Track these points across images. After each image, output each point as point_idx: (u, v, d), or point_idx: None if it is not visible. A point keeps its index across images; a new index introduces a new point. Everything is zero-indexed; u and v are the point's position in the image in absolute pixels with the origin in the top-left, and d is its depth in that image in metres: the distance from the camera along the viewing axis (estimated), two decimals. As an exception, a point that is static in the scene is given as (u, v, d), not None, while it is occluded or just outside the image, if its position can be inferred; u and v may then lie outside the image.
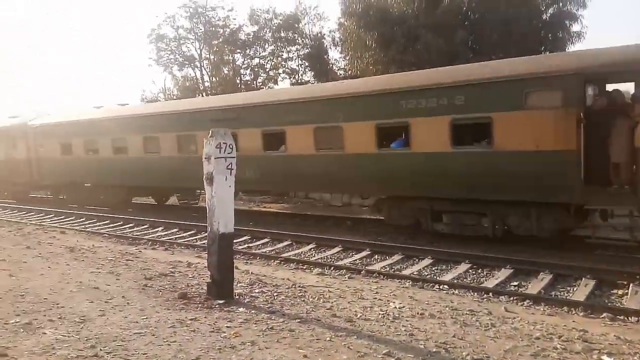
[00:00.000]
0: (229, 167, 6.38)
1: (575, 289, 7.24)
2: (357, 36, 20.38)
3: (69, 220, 15.62)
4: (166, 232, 13.09)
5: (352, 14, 20.52)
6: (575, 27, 18.23)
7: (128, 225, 14.27)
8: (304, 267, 8.99)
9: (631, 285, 7.05)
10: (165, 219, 14.47)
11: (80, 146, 18.71)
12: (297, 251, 10.53)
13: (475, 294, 7.08)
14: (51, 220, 15.72)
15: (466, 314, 5.92)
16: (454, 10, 18.70)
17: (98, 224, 14.83)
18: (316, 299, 6.55)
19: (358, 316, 5.74)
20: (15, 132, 21.65)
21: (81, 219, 15.66)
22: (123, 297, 6.19)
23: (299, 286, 7.24)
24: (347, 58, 25.86)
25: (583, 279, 7.46)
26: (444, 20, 18.34)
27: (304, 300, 6.43)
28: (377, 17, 19.29)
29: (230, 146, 6.41)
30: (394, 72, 15.80)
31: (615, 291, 7.15)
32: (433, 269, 8.78)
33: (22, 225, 13.90)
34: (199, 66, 33.33)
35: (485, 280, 7.91)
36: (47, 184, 21.22)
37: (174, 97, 32.02)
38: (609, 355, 4.51)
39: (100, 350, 4.23)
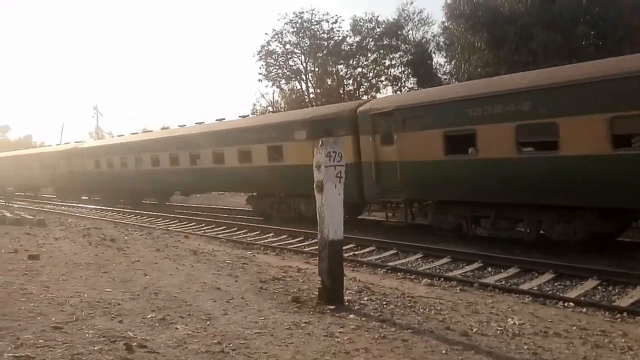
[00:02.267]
0: (338, 175, 6.52)
1: None
2: (464, 39, 19.75)
3: (190, 226, 17.01)
4: (276, 238, 13.68)
5: (460, 16, 19.96)
6: None
7: (242, 231, 15.16)
8: (412, 277, 8.85)
9: None
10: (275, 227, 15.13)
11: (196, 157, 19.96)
12: (403, 260, 10.40)
13: (607, 313, 6.43)
14: (176, 226, 17.24)
15: (597, 334, 5.41)
16: (572, 4, 17.35)
17: (216, 229, 15.95)
18: (427, 310, 6.41)
19: (474, 330, 5.52)
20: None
21: (201, 225, 16.96)
22: (242, 298, 6.58)
23: (408, 296, 7.15)
24: (453, 62, 25.17)
25: None
26: (561, 15, 17.10)
27: (414, 311, 6.33)
28: (486, 17, 18.57)
29: (340, 155, 6.55)
30: (504, 74, 15.05)
31: None
32: (555, 284, 8.14)
33: (152, 230, 15.41)
34: (304, 79, 34.55)
35: (618, 298, 7.15)
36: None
37: (282, 109, 33.49)
38: None
39: (226, 347, 4.54)
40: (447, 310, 6.45)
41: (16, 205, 23.68)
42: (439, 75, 28.87)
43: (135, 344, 4.23)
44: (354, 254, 11.28)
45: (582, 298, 7.20)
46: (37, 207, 25.85)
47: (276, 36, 33.51)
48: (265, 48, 34.16)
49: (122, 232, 13.64)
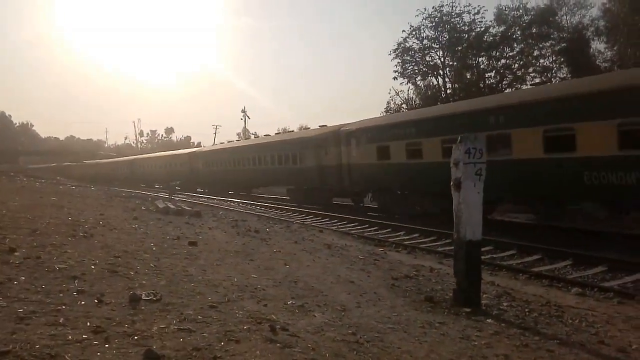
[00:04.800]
0: (479, 172, 6.27)
1: None
2: (631, 20, 17.41)
3: (325, 221, 17.72)
4: (408, 237, 13.59)
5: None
6: None
7: (373, 228, 15.34)
8: (560, 285, 8.13)
9: None
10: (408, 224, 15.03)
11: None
12: (549, 266, 9.59)
13: None
14: (311, 220, 18.10)
15: None
16: None
17: (348, 225, 16.39)
18: (577, 321, 5.87)
19: (633, 347, 4.92)
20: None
21: (334, 220, 17.57)
22: (375, 293, 6.70)
23: (555, 305, 6.61)
24: (615, 48, 22.34)
25: None
26: None
27: (561, 321, 5.85)
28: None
29: (481, 151, 6.29)
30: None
31: None
32: None
33: (290, 224, 16.39)
34: (441, 74, 33.57)
35: None
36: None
37: (417, 106, 32.95)
38: None
39: (360, 337, 4.68)
40: (601, 323, 5.84)
41: (177, 198, 26.95)
42: (598, 63, 25.84)
43: (278, 326, 4.58)
44: (491, 256, 10.70)
45: None
46: (193, 200, 29.14)
47: (414, 32, 33.08)
48: (402, 45, 33.92)
49: (264, 225, 14.73)
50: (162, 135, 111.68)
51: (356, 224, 16.49)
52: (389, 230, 14.82)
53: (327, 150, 21.59)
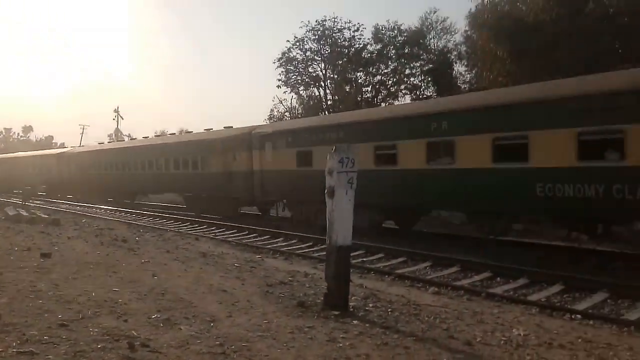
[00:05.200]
0: (350, 181, 6.57)
1: None
2: (487, 48, 19.63)
3: (202, 228, 17.20)
4: (286, 243, 13.76)
5: (483, 25, 19.85)
6: None
7: (252, 235, 15.27)
8: (419, 285, 8.80)
9: None
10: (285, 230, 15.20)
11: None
12: (412, 268, 10.36)
13: (614, 326, 6.30)
14: (187, 228, 17.45)
15: (602, 347, 5.31)
16: (598, 15, 17.14)
17: (226, 232, 16.11)
18: (432, 318, 6.38)
19: (478, 340, 5.47)
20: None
21: (212, 228, 17.14)
22: (247, 301, 6.63)
23: (414, 304, 7.12)
24: (474, 71, 25.02)
25: None
26: (587, 26, 16.88)
27: (419, 319, 6.31)
28: (509, 26, 18.43)
29: (353, 161, 6.60)
30: (526, 83, 14.97)
31: None
32: (564, 296, 8.02)
33: (163, 232, 15.63)
34: (323, 85, 34.70)
35: (627, 312, 7.01)
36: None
37: (300, 115, 33.64)
38: None
39: (227, 348, 4.59)
40: (452, 319, 6.40)
41: (32, 205, 24.23)
42: (459, 85, 28.72)
43: (138, 343, 4.31)
44: (362, 260, 11.26)
45: (590, 310, 7.07)
46: (53, 206, 26.42)
47: (297, 43, 33.78)
48: (286, 55, 34.45)
49: (134, 233, 13.86)
50: (18, 134, 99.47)
51: (235, 231, 16.27)
52: (267, 237, 14.85)
53: (235, 154, 19.36)
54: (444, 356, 4.84)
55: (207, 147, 21.09)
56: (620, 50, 17.43)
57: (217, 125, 23.54)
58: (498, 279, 9.25)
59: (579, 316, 6.81)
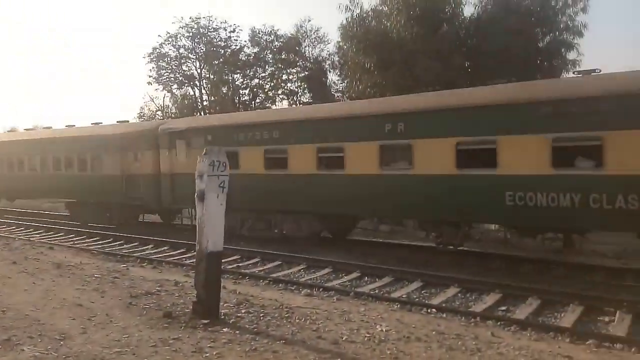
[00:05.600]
0: (222, 185, 6.43)
1: (562, 314, 7.20)
2: (356, 59, 20.64)
3: (58, 236, 15.53)
4: (155, 250, 13.02)
5: (352, 37, 20.82)
6: (571, 55, 18.53)
7: (117, 243, 14.20)
8: (293, 288, 8.92)
9: (618, 312, 7.02)
10: (158, 237, 14.39)
11: None
12: (287, 271, 10.47)
13: (463, 318, 7.01)
14: (40, 236, 15.63)
15: (452, 338, 5.87)
16: (451, 36, 19.01)
17: (87, 240, 14.76)
18: (303, 320, 6.49)
19: (344, 338, 5.69)
20: None
21: (70, 235, 15.58)
22: (107, 315, 6.12)
23: (286, 307, 7.18)
24: (346, 81, 26.18)
25: (571, 305, 7.42)
26: (441, 45, 18.61)
27: (290, 322, 6.38)
28: (376, 41, 19.57)
29: (224, 164, 6.47)
30: (392, 95, 16.02)
31: (602, 318, 7.10)
32: (422, 292, 8.72)
33: (10, 240, 13.81)
34: (198, 85, 33.63)
35: (474, 304, 7.85)
36: None
37: (174, 115, 32.19)
38: (592, 383, 4.47)
39: (78, 368, 4.18)
40: (322, 319, 6.58)
41: None
42: (333, 93, 29.86)
43: (-35, 370, 3.71)
44: (237, 265, 11.10)
45: (443, 304, 7.78)
46: None
47: (170, 39, 32.29)
48: (158, 50, 32.72)
49: (-27, 243, 12.03)
50: None
51: (98, 238, 14.96)
52: (135, 244, 13.91)
53: (138, 154, 16.41)
54: (311, 357, 4.95)
55: (99, 144, 17.39)
56: (470, 70, 19.55)
57: (80, 123, 20.74)
58: (366, 278, 9.73)
59: (434, 310, 7.46)
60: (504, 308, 7.66)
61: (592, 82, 9.44)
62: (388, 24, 19.99)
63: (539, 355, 5.23)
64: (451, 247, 11.01)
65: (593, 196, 8.61)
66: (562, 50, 18.42)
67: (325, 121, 12.27)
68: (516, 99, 9.60)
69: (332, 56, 30.30)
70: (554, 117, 8.97)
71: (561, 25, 18.31)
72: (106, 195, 17.13)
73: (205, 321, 5.99)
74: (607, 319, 7.05)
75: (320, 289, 8.73)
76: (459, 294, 8.43)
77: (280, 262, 11.18)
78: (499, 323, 6.76)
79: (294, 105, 30.22)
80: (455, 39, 19.25)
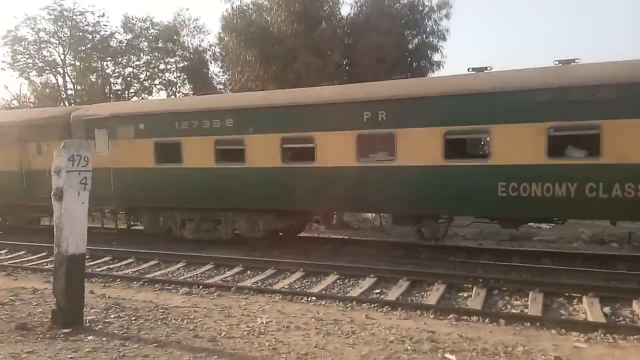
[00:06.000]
0: (84, 181, 5.90)
1: (428, 293, 7.83)
2: (238, 52, 20.28)
3: None
4: (11, 255, 11.58)
5: (232, 29, 20.40)
6: (436, 57, 20.12)
7: (-36, 250, 12.36)
8: (170, 288, 8.52)
9: (475, 287, 7.82)
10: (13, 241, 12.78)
11: None
12: (164, 271, 9.98)
13: (341, 303, 7.28)
14: None
15: (330, 323, 6.06)
16: (330, 33, 19.53)
17: None
18: (179, 320, 6.24)
19: (223, 335, 5.57)
20: None
21: None
22: (-57, 333, 5.28)
23: (162, 308, 6.86)
24: (228, 73, 25.63)
25: (435, 283, 8.10)
26: (321, 42, 19.04)
27: (165, 323, 6.09)
28: (257, 34, 19.40)
29: (86, 159, 5.95)
30: (274, 89, 15.98)
31: (462, 294, 7.85)
32: (304, 281, 8.89)
33: None
34: (61, 72, 30.50)
35: (351, 289, 8.20)
36: None
37: (31, 105, 28.87)
38: (451, 353, 4.91)
39: None
40: (201, 317, 6.39)
41: None
42: (215, 85, 29.08)
43: None
44: (108, 267, 10.29)
45: (323, 292, 8.01)
46: None
47: (28, 21, 28.78)
48: (13, 33, 29.00)
49: None
50: None
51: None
52: (-15, 250, 12.21)
53: (42, 145, 13.82)
54: (185, 357, 4.76)
55: None
56: (347, 67, 20.32)
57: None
58: (249, 272, 9.65)
59: (314, 298, 7.64)
60: (378, 291, 8.11)
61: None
62: (269, 18, 19.96)
63: (406, 332, 5.62)
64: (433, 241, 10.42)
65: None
66: (429, 52, 19.93)
67: (294, 108, 10.80)
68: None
69: (214, 47, 29.50)
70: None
71: (427, 29, 19.79)
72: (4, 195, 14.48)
73: (67, 330, 5.47)
74: (465, 294, 7.81)
75: (200, 287, 8.46)
76: (338, 281, 8.73)
77: (157, 261, 10.62)
78: (373, 305, 7.14)
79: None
80: (334, 36, 19.84)
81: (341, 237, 13.11)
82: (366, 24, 19.17)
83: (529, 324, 6.24)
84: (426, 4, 19.59)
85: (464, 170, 9.37)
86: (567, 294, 7.51)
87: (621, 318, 6.58)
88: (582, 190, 8.45)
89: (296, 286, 8.60)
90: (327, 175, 10.33)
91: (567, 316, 6.77)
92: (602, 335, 5.78)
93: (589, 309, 6.79)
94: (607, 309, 6.79)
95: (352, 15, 20.32)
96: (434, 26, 19.76)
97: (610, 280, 8.27)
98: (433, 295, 7.67)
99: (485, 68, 9.72)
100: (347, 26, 20.27)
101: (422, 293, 7.92)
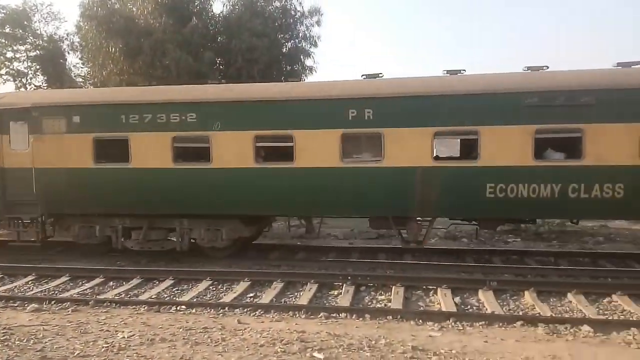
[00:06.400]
0: None
1: (301, 293, 7.97)
2: (99, 42, 18.69)
3: None
4: None
5: (92, 17, 18.75)
6: (309, 62, 20.65)
7: None
8: (16, 305, 7.51)
9: (344, 285, 8.15)
10: None
11: None
12: (9, 285, 8.79)
13: (213, 310, 7.06)
14: None
15: (200, 332, 5.85)
16: (201, 30, 18.94)
17: None
18: (25, 340, 5.56)
19: (76, 354, 5.07)
20: None
21: None
22: None
23: (5, 327, 6.03)
24: (89, 65, 23.50)
25: (308, 283, 8.29)
26: (191, 39, 18.38)
27: (7, 345, 5.36)
28: (120, 24, 18.08)
29: None
30: (141, 85, 15.00)
31: (333, 292, 8.13)
32: (174, 290, 8.46)
33: None
34: None
35: (225, 295, 8.01)
36: None
37: None
38: (319, 351, 5.04)
39: None
40: (51, 336, 5.76)
41: None
42: (73, 77, 26.51)
43: None
44: None
45: (194, 300, 7.71)
46: None
47: None
48: None
49: None
50: None
51: None
52: None
53: None
54: (28, 383, 4.23)
55: None
56: (221, 66, 19.93)
57: None
58: (111, 283, 8.92)
59: (184, 307, 7.29)
60: (252, 295, 8.03)
61: None
62: (134, 9, 18.75)
63: (277, 334, 5.64)
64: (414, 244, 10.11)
65: None
66: (301, 56, 20.40)
67: (269, 103, 9.78)
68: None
69: (72, 36, 26.86)
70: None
71: (300, 34, 20.24)
72: None
73: None
74: (336, 292, 8.09)
75: (53, 302, 7.59)
76: (211, 287, 8.47)
77: (1, 275, 9.32)
78: (245, 310, 7.04)
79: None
80: (206, 33, 19.34)
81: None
82: (239, 23, 19.00)
83: (391, 317, 6.66)
84: (298, 9, 20.02)
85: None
86: (424, 287, 8.20)
87: (469, 306, 7.34)
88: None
89: (165, 295, 8.16)
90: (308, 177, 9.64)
91: (425, 307, 7.36)
92: (453, 324, 6.40)
93: (443, 299, 7.48)
94: (457, 299, 7.53)
95: (224, 13, 19.99)
96: (306, 32, 20.28)
97: (461, 272, 9.21)
98: (305, 295, 7.82)
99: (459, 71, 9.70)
100: (221, 24, 19.88)
101: (296, 294, 8.03)
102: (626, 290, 7.62)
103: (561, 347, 5.51)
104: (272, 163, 9.84)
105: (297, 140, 9.50)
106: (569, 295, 7.59)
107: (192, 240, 10.54)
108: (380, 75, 9.98)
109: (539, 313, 6.83)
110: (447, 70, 9.74)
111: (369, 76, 9.95)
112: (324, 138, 9.46)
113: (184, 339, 5.54)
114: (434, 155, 9.30)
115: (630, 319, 6.61)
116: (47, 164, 10.45)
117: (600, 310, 6.98)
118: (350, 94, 9.50)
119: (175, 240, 10.46)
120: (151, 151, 10.08)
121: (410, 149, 9.19)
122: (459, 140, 10.88)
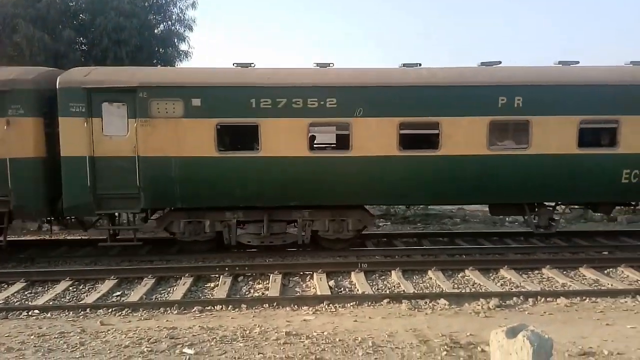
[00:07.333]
0: None
1: (175, 288, 7.62)
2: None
3: None
4: None
5: None
6: (183, 47, 19.69)
7: None
8: None
9: (221, 276, 7.99)
10: None
11: None
12: None
13: (72, 313, 6.44)
14: None
15: (55, 338, 5.30)
16: (59, 6, 17.06)
17: None
18: None
19: None
20: None
21: None
22: None
23: None
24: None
25: (182, 277, 7.96)
26: (48, 15, 16.46)
27: None
28: (-42, -5, 15.54)
29: None
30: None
31: (209, 284, 7.91)
32: (25, 293, 7.56)
33: None
34: None
35: (87, 295, 7.36)
36: None
37: None
38: (190, 347, 4.87)
39: None
40: None
41: None
42: None
43: None
44: None
45: (50, 303, 6.97)
46: None
47: None
48: None
49: None
50: None
51: None
52: None
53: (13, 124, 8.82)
54: None
55: None
56: (85, 47, 18.18)
57: None
58: (-57, 291, 7.68)
59: (37, 312, 6.54)
60: (119, 293, 7.49)
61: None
62: (-25, -23, 16.24)
63: (145, 333, 5.33)
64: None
65: None
66: (175, 40, 19.42)
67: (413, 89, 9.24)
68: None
69: None
70: None
71: (174, 17, 19.24)
72: None
73: None
74: (213, 284, 7.89)
75: None
76: (71, 288, 7.72)
77: None
78: (110, 310, 6.53)
79: None
80: (65, 9, 17.49)
81: (79, 237, 11.66)
82: (104, 1, 17.50)
83: (267, 305, 6.68)
84: (170, -12, 19.03)
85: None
86: (301, 273, 8.37)
87: (342, 289, 7.65)
88: None
89: (15, 300, 7.25)
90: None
91: (301, 293, 7.51)
92: (326, 306, 6.61)
93: (318, 284, 7.70)
94: (332, 282, 7.80)
95: (86, -12, 18.23)
96: (180, 14, 19.36)
97: (336, 257, 9.55)
98: (179, 289, 7.50)
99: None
100: (83, 0, 18.11)
101: (169, 289, 7.66)
102: (477, 265, 8.56)
103: (421, 320, 5.99)
104: (414, 151, 9.36)
105: (444, 127, 9.17)
106: (429, 272, 8.30)
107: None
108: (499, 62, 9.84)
109: (403, 290, 7.36)
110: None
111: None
112: (472, 125, 9.23)
113: (35, 346, 4.97)
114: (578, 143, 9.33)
115: (479, 291, 7.43)
116: (157, 151, 8.96)
117: (455, 285, 7.74)
118: (501, 82, 9.37)
119: (294, 233, 9.70)
120: (285, 138, 9.11)
121: (556, 137, 9.27)
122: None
